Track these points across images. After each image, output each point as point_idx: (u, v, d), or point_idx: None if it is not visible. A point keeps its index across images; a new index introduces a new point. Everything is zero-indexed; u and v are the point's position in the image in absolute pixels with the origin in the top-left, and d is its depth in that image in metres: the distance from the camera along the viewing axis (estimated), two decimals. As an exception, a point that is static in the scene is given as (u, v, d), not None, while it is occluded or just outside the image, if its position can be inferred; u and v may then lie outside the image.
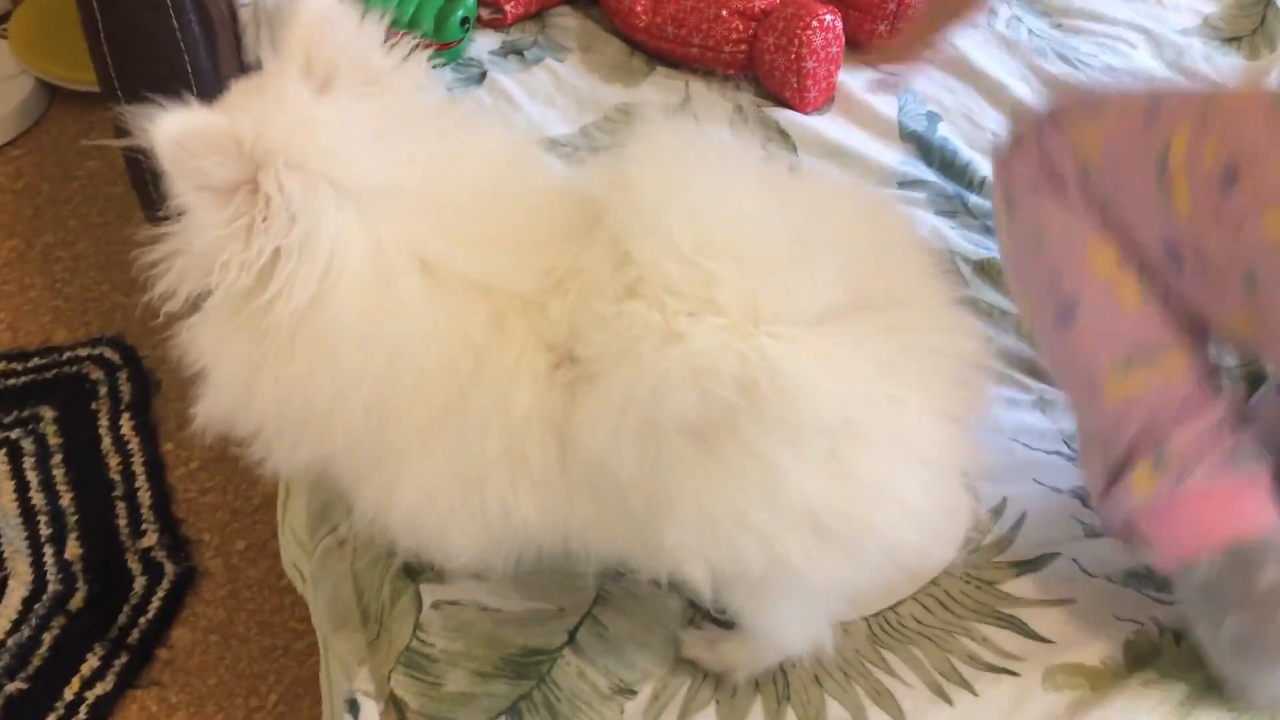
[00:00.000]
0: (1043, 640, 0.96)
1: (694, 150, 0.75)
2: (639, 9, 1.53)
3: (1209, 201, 0.81)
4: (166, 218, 0.74)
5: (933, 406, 0.75)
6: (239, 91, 0.75)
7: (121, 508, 1.55)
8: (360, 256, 0.73)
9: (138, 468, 1.60)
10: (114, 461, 1.60)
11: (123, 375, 1.69)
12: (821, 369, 0.69)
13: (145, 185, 1.31)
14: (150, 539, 1.52)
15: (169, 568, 1.49)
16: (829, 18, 1.45)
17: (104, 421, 1.64)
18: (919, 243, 0.73)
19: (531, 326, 0.75)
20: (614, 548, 0.82)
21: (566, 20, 1.61)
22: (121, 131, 0.72)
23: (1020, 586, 1.00)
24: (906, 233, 0.74)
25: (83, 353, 1.71)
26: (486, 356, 0.75)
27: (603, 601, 1.00)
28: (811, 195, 0.80)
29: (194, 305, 0.79)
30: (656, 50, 1.54)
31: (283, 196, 0.70)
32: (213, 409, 0.80)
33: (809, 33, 1.43)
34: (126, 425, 1.64)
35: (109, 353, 1.71)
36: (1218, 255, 0.82)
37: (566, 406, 0.74)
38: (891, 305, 0.74)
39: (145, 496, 1.57)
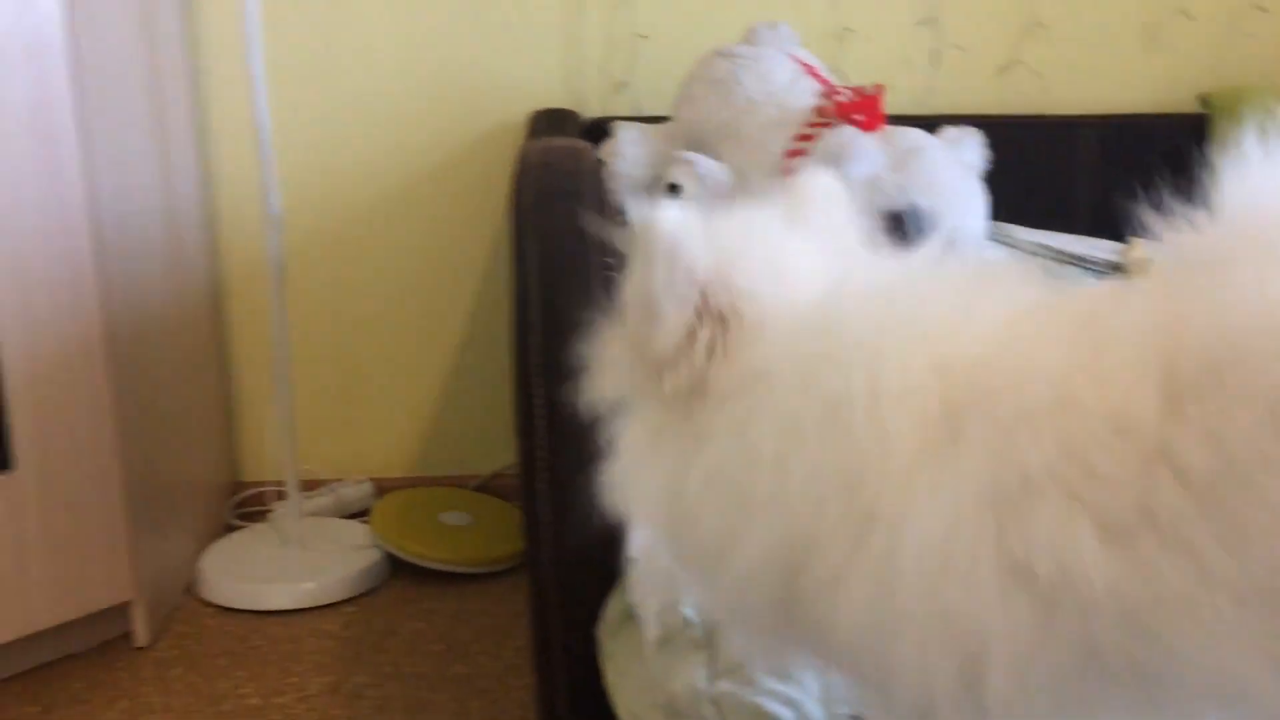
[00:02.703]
0: None
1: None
2: None
3: None
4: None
5: None
6: (722, 217, 0.73)
7: None
8: None
9: None
10: None
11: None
12: None
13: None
14: None
15: None
16: None
17: None
18: None
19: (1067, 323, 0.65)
20: (1214, 657, 0.57)
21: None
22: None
23: None
24: None
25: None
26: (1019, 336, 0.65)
27: None
28: None
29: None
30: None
31: (741, 326, 0.69)
32: (650, 523, 0.75)
33: None
34: None
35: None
36: None
37: (1165, 410, 0.57)
38: None
39: None
